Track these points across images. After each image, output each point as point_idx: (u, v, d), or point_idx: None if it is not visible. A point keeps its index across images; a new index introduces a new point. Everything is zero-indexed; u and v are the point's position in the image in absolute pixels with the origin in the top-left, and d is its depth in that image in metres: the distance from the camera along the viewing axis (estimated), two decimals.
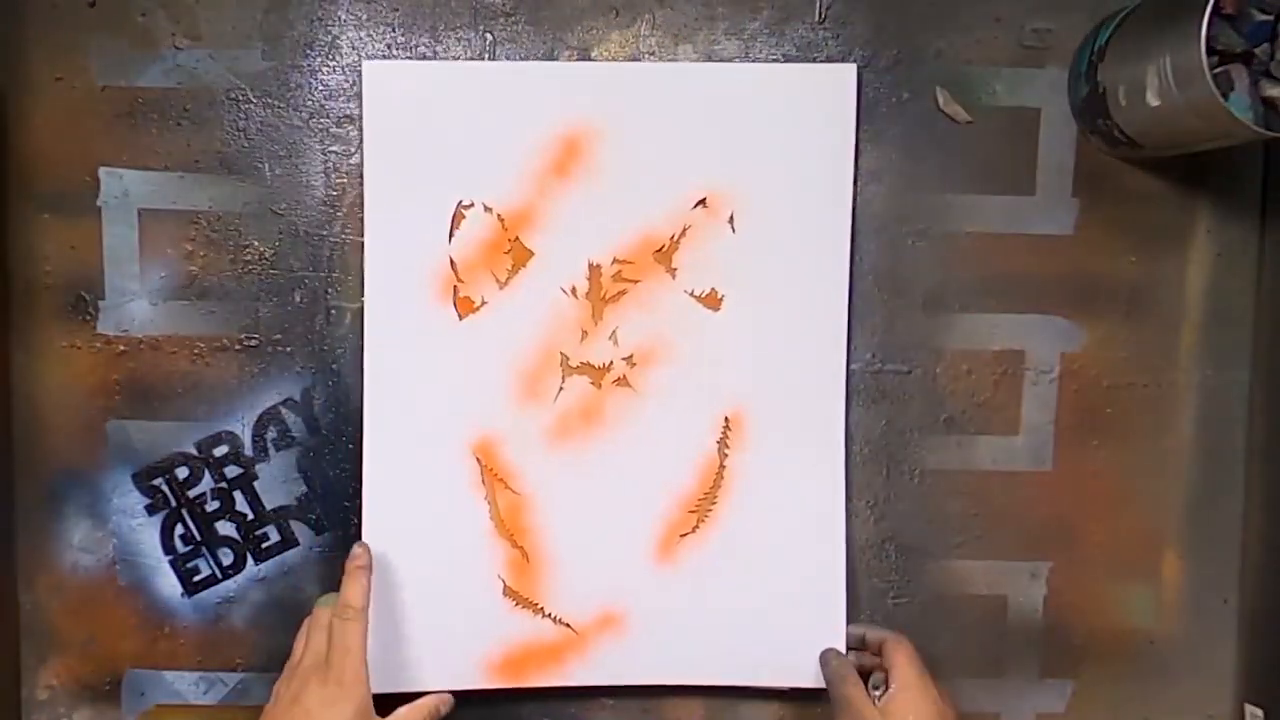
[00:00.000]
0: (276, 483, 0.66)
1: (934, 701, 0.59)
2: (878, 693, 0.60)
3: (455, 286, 0.64)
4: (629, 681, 0.66)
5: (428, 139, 0.63)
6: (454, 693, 0.62)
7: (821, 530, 0.65)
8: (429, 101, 0.63)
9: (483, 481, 0.65)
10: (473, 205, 0.64)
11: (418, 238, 0.64)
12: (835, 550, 0.65)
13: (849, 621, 0.65)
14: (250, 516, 0.66)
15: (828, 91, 0.64)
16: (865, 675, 0.62)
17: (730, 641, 0.65)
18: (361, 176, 0.64)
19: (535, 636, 0.65)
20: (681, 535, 0.65)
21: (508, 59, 0.64)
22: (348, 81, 0.64)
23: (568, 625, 0.65)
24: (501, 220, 0.64)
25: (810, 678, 0.65)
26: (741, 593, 0.65)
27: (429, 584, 0.64)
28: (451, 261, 0.64)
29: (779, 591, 0.65)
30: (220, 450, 0.65)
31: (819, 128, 0.64)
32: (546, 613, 0.65)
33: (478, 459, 0.65)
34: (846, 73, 0.64)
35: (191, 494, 0.66)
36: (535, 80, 0.63)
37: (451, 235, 0.64)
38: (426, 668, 0.64)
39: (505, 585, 0.65)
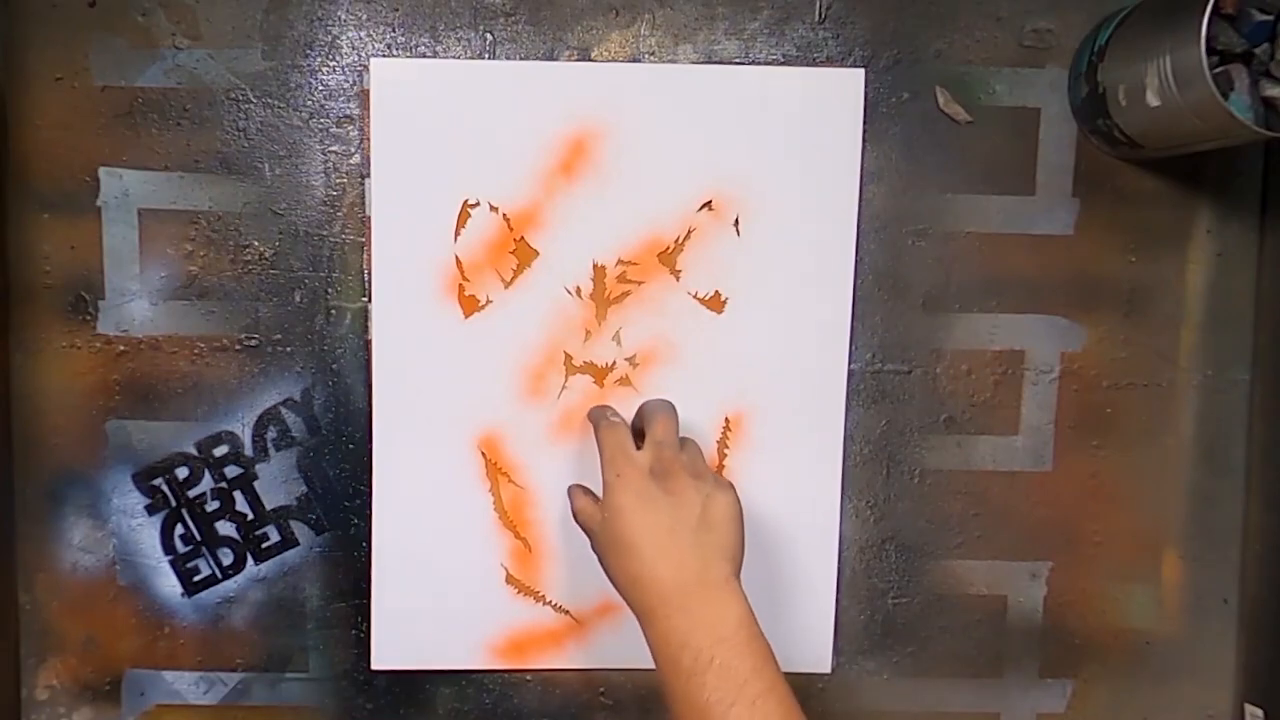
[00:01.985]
0: (276, 483, 0.66)
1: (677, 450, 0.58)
2: None
3: (460, 285, 0.64)
4: (628, 666, 0.66)
5: (434, 137, 0.63)
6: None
7: (817, 529, 0.66)
8: (435, 99, 0.63)
9: (487, 475, 0.65)
10: (478, 204, 0.64)
11: (423, 236, 0.64)
12: (829, 548, 0.66)
13: (842, 619, 0.66)
14: (250, 516, 0.66)
15: (835, 96, 0.64)
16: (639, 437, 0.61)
17: None
18: (362, 176, 0.64)
19: (537, 622, 0.66)
20: None
21: (508, 59, 0.64)
22: (348, 81, 0.64)
23: (568, 613, 0.66)
24: (507, 220, 0.64)
25: (798, 666, 0.65)
26: None
27: (435, 570, 0.65)
28: (457, 260, 0.64)
29: (772, 586, 0.66)
30: (220, 450, 0.65)
31: (826, 132, 0.64)
32: (547, 600, 0.66)
33: (482, 453, 0.65)
34: (854, 78, 0.64)
35: (191, 494, 0.65)
36: (543, 80, 0.63)
37: (457, 234, 0.64)
38: (432, 647, 0.66)
39: (507, 573, 0.66)
